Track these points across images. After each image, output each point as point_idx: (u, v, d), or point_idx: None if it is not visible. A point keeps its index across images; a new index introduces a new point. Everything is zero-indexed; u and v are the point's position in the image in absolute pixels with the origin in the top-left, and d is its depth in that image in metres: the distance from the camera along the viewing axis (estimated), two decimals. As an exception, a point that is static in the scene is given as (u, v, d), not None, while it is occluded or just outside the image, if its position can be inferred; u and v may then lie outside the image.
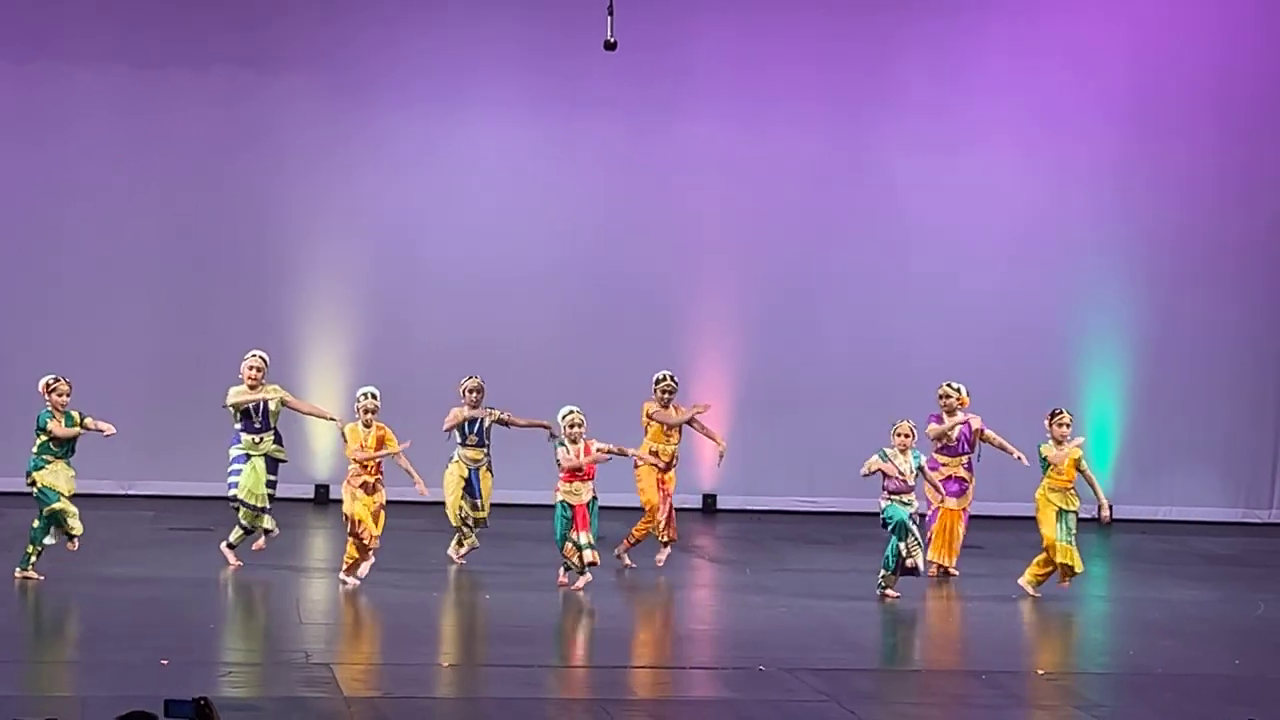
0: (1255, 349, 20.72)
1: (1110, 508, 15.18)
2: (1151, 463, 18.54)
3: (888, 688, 11.48)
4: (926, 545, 15.55)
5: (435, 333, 19.22)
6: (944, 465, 15.62)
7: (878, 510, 14.40)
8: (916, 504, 14.36)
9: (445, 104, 19.44)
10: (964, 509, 15.67)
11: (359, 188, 19.35)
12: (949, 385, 15.75)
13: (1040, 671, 11.78)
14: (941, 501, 15.20)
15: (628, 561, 15.40)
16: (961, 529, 15.67)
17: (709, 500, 19.58)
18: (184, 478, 17.74)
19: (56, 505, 13.65)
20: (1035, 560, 14.84)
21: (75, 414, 13.83)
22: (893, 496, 14.26)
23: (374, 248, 19.46)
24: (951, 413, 15.63)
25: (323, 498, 18.45)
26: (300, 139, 19.26)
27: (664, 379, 15.56)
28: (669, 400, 15.47)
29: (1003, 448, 15.65)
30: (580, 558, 14.08)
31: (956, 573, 15.62)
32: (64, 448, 13.79)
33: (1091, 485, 14.94)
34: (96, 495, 14.20)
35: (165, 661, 10.93)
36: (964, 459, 15.69)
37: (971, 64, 20.16)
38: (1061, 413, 14.96)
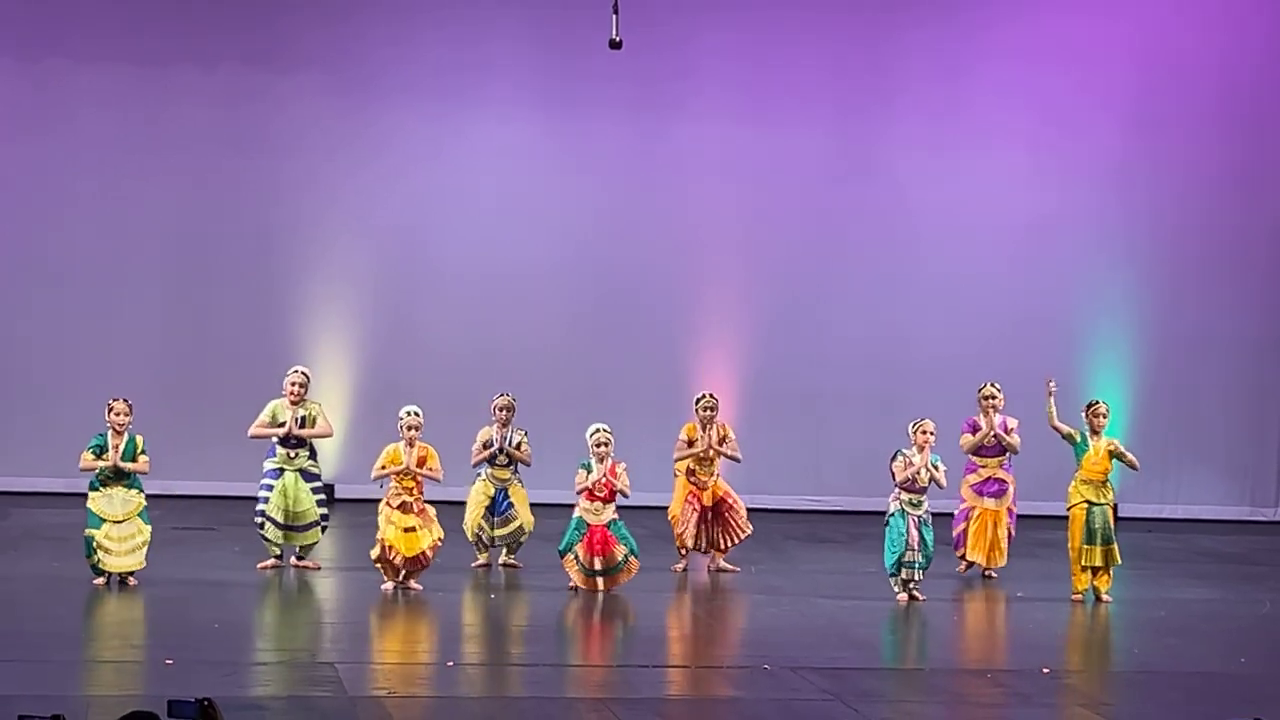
0: (1260, 346, 20.68)
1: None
2: (1157, 461, 18.49)
3: (892, 686, 11.48)
4: (960, 542, 15.51)
5: (441, 332, 19.23)
6: (982, 467, 15.54)
7: (886, 510, 14.30)
8: (927, 504, 14.19)
9: (451, 103, 19.43)
10: (1007, 509, 15.51)
11: (365, 186, 19.35)
12: (993, 385, 15.51)
13: (1045, 670, 11.76)
14: (980, 500, 15.26)
15: (729, 567, 15.43)
16: (1007, 529, 15.48)
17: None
18: (187, 477, 17.73)
19: (87, 531, 13.55)
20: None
21: (139, 439, 13.58)
22: (903, 495, 14.18)
23: (380, 246, 19.45)
24: (991, 414, 15.55)
25: (328, 496, 18.40)
26: (305, 137, 19.25)
27: (704, 397, 15.36)
28: (711, 419, 15.24)
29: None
30: (582, 579, 13.97)
31: (994, 575, 15.41)
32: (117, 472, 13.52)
33: (1126, 461, 14.55)
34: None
35: (170, 661, 10.93)
36: (1001, 459, 15.50)
37: (976, 64, 20.14)
38: (1098, 403, 14.73)
